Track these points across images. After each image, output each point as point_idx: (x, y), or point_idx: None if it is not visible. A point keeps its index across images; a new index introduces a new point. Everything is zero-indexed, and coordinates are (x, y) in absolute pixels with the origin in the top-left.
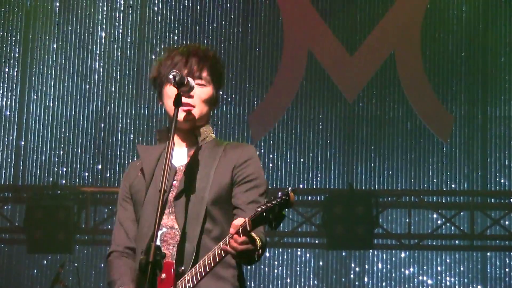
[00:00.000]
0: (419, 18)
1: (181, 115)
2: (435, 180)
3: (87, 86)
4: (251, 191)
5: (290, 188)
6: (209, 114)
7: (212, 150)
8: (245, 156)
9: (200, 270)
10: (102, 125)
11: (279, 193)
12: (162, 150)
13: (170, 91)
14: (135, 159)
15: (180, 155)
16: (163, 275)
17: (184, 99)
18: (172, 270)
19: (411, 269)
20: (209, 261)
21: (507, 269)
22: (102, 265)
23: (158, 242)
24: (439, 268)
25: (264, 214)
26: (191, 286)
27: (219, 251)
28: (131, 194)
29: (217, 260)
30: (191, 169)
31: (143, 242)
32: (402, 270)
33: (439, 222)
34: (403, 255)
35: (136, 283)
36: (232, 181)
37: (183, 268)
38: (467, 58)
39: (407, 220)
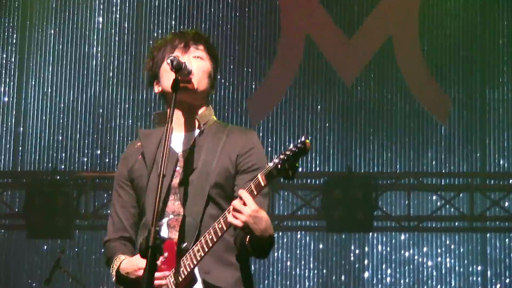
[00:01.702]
0: (417, 0)
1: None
2: (434, 162)
3: (85, 72)
4: None
5: (304, 137)
6: (208, 92)
7: (214, 135)
8: (249, 144)
9: (202, 246)
10: (101, 110)
11: (292, 143)
12: (162, 135)
13: (167, 72)
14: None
15: (181, 140)
16: (166, 254)
17: (182, 85)
18: (175, 248)
19: (411, 251)
20: (210, 237)
21: (506, 250)
22: (102, 250)
23: (165, 229)
24: (439, 250)
25: (279, 166)
26: (195, 263)
27: (220, 226)
28: (131, 179)
29: (219, 234)
30: (194, 154)
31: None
32: (402, 252)
33: (438, 204)
34: (403, 237)
35: None
36: (235, 169)
37: (185, 244)
38: (465, 40)
39: (406, 202)
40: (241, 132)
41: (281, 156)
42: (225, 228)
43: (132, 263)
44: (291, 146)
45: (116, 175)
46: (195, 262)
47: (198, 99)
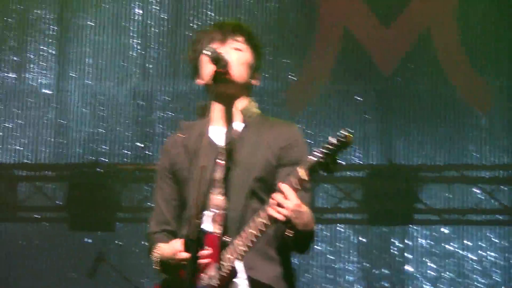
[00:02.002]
0: None
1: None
2: (475, 154)
3: (124, 64)
4: None
5: (346, 129)
6: (249, 83)
7: (257, 128)
8: (292, 138)
9: (244, 240)
10: (141, 102)
11: (331, 138)
12: (204, 126)
13: (206, 64)
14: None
15: (224, 133)
16: (207, 247)
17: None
18: (216, 242)
19: (453, 244)
20: (252, 231)
21: None
22: (144, 242)
23: (207, 222)
24: (481, 243)
25: (321, 160)
26: (237, 258)
27: (261, 220)
28: (173, 172)
29: (262, 229)
30: (237, 147)
31: (189, 222)
32: (444, 245)
33: (480, 196)
34: (444, 230)
35: None
36: (277, 162)
37: (227, 237)
38: (505, 29)
39: (447, 195)
40: (284, 125)
41: (323, 150)
42: (267, 222)
43: (171, 247)
44: (333, 139)
45: (158, 167)
46: (237, 257)
47: (238, 91)
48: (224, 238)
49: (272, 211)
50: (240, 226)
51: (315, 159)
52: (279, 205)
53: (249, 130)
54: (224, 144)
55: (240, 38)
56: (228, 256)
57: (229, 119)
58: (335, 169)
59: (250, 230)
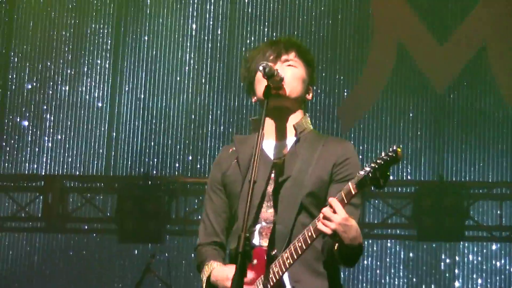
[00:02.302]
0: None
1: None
2: None
3: (178, 78)
4: None
5: (395, 145)
6: (302, 98)
7: (311, 144)
8: (345, 154)
9: (291, 253)
10: (193, 116)
11: (384, 152)
12: (257, 141)
13: (260, 81)
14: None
15: (277, 147)
16: (255, 261)
17: (274, 91)
18: (264, 255)
19: (503, 261)
20: (299, 244)
21: None
22: (193, 255)
23: (257, 236)
24: None
25: (371, 175)
26: (283, 271)
27: (310, 233)
28: (224, 184)
29: (309, 242)
30: (289, 162)
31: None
32: (494, 262)
33: None
34: (494, 247)
35: None
36: (330, 178)
37: (275, 251)
38: None
39: (498, 212)
40: (337, 142)
41: (372, 165)
42: (314, 236)
43: (222, 272)
44: (383, 154)
45: (209, 179)
46: (284, 270)
47: (291, 106)
48: (271, 252)
49: (320, 224)
50: (289, 240)
51: (365, 173)
52: (327, 218)
53: (302, 145)
54: (276, 159)
55: (293, 54)
56: (275, 269)
57: (282, 134)
58: (385, 184)
59: (298, 244)
